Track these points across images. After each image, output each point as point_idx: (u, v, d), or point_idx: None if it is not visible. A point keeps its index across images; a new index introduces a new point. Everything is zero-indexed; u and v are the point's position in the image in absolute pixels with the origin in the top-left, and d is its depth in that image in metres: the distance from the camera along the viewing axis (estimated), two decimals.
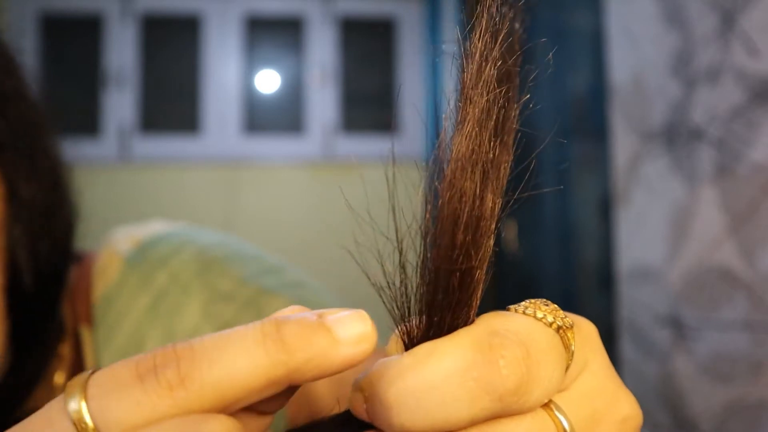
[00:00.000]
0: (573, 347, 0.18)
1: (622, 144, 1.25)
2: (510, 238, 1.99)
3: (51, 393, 0.38)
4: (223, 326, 0.39)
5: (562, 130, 1.66)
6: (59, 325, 0.39)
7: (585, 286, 1.56)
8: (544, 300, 0.19)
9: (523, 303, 0.19)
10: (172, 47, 2.48)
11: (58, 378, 0.39)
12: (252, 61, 2.50)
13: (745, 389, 0.93)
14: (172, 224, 0.46)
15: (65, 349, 0.40)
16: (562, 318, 0.18)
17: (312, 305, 0.45)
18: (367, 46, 2.60)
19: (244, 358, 0.16)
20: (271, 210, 2.40)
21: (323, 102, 2.48)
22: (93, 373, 0.16)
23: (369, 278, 0.18)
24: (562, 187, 1.68)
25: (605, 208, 1.42)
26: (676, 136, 1.09)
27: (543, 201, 1.77)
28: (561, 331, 0.18)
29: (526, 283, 1.94)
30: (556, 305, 0.18)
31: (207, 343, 0.16)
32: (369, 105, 2.56)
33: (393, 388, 0.16)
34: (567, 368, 0.18)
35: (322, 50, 2.49)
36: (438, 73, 2.25)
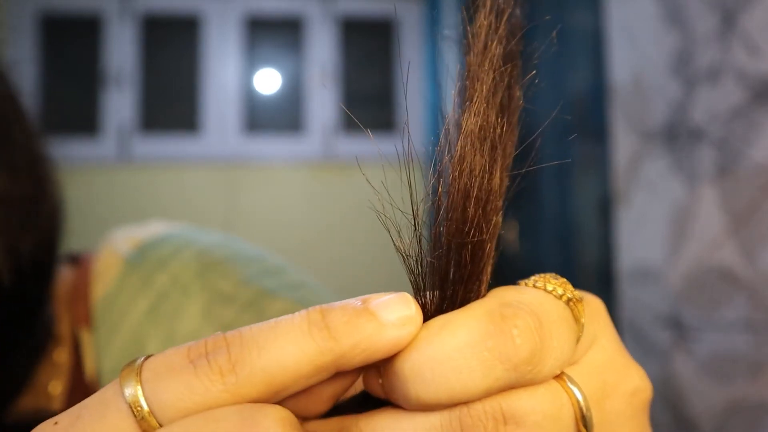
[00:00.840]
0: (583, 320, 0.18)
1: (623, 144, 1.25)
2: (510, 238, 1.99)
3: (44, 402, 0.37)
4: (224, 328, 0.39)
5: (562, 130, 1.66)
6: (48, 328, 0.39)
7: (585, 286, 1.55)
8: (554, 274, 0.19)
9: (532, 277, 0.19)
10: (171, 47, 2.48)
11: (53, 388, 0.38)
12: (252, 61, 2.50)
13: (746, 389, 0.93)
14: (172, 225, 0.46)
15: (62, 357, 0.39)
16: (571, 291, 0.18)
17: (312, 303, 0.45)
18: (367, 46, 2.60)
19: (291, 345, 0.16)
20: (271, 210, 2.40)
21: (323, 102, 2.48)
22: (146, 359, 0.17)
23: (395, 245, 0.18)
24: (561, 184, 1.68)
25: (605, 208, 1.42)
26: (676, 136, 1.09)
27: (543, 201, 1.77)
28: (571, 303, 0.18)
29: None
30: (565, 279, 0.19)
31: (255, 330, 0.17)
32: (369, 105, 2.57)
33: (408, 362, 0.16)
34: (578, 340, 0.18)
35: (322, 50, 2.49)
36: (437, 72, 2.25)
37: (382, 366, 0.17)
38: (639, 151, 1.20)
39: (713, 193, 1.00)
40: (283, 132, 2.49)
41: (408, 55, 2.53)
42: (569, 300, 0.18)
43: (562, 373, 0.17)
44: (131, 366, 0.17)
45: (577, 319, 0.18)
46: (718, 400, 0.98)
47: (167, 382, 0.16)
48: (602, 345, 0.19)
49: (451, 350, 0.16)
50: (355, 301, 0.17)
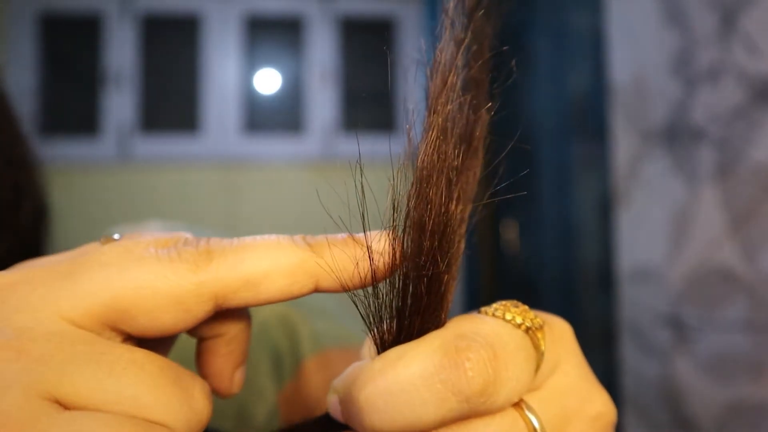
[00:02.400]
0: (543, 348, 0.18)
1: (623, 144, 1.25)
2: (510, 238, 1.99)
3: None
4: None
5: (562, 130, 1.66)
6: None
7: (585, 286, 1.56)
8: (515, 301, 0.19)
9: (494, 305, 0.19)
10: (171, 47, 2.48)
11: None
12: (252, 61, 2.50)
13: (746, 390, 0.93)
14: (168, 224, 0.46)
15: None
16: (531, 319, 0.18)
17: (306, 303, 0.45)
18: (367, 46, 2.60)
19: (274, 249, 0.18)
20: (271, 210, 2.40)
21: (323, 102, 2.48)
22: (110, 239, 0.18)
23: (342, 286, 0.18)
24: (561, 184, 1.68)
25: (606, 208, 1.41)
26: (676, 135, 1.09)
27: (543, 201, 1.77)
28: (530, 332, 0.18)
29: (526, 283, 1.94)
30: (526, 306, 0.19)
31: (236, 239, 0.19)
32: (369, 105, 2.57)
33: (364, 391, 0.16)
34: (537, 368, 0.18)
35: (322, 50, 2.49)
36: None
37: (341, 393, 0.18)
38: (639, 151, 1.20)
39: (713, 193, 1.00)
40: (283, 132, 2.49)
41: (408, 55, 2.52)
42: (528, 329, 0.18)
43: (521, 400, 0.18)
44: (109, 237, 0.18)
45: (536, 347, 0.18)
46: (719, 400, 0.98)
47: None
48: (565, 370, 0.19)
49: (405, 382, 0.16)
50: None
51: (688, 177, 1.06)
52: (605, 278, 1.42)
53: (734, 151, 0.96)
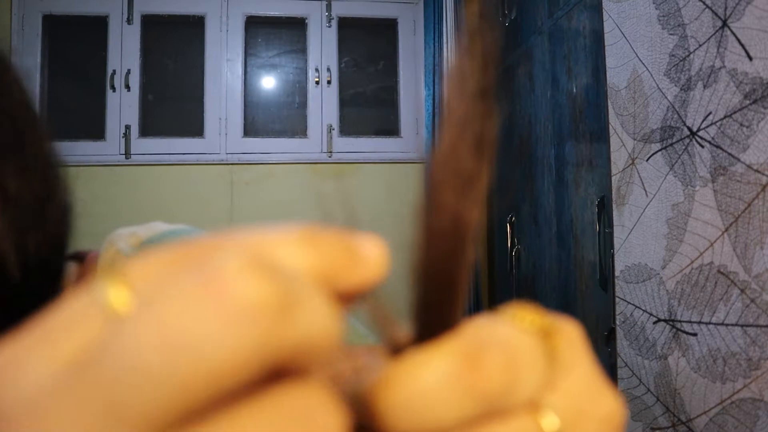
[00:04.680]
0: (556, 350, 0.19)
1: (620, 145, 1.26)
2: (509, 237, 2.00)
3: None
4: None
5: (560, 131, 1.67)
6: None
7: (583, 285, 1.56)
8: (528, 305, 0.19)
9: (508, 308, 0.19)
10: (175, 49, 2.49)
11: None
12: (253, 61, 2.52)
13: (741, 387, 0.94)
14: (173, 225, 0.47)
15: None
16: (545, 322, 0.19)
17: None
18: (368, 47, 2.61)
19: None
20: (272, 210, 2.41)
21: (323, 103, 2.49)
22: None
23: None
24: (560, 184, 1.68)
25: (603, 208, 1.42)
26: (672, 137, 1.10)
27: (542, 201, 1.78)
28: (544, 334, 0.19)
29: (525, 283, 1.94)
30: (540, 309, 0.19)
31: None
32: (369, 106, 2.58)
33: (383, 396, 0.17)
34: (552, 370, 0.19)
35: (323, 50, 2.50)
36: (436, 72, 2.25)
37: (359, 396, 0.18)
38: (636, 152, 1.21)
39: (709, 194, 1.01)
40: (284, 133, 2.51)
41: (408, 56, 2.54)
42: (542, 332, 0.19)
43: (536, 401, 0.18)
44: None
45: (551, 350, 0.19)
46: (714, 398, 0.99)
47: None
48: (577, 372, 0.20)
49: (426, 387, 0.16)
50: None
51: (683, 178, 1.07)
52: (603, 278, 1.43)
53: (728, 153, 0.97)
